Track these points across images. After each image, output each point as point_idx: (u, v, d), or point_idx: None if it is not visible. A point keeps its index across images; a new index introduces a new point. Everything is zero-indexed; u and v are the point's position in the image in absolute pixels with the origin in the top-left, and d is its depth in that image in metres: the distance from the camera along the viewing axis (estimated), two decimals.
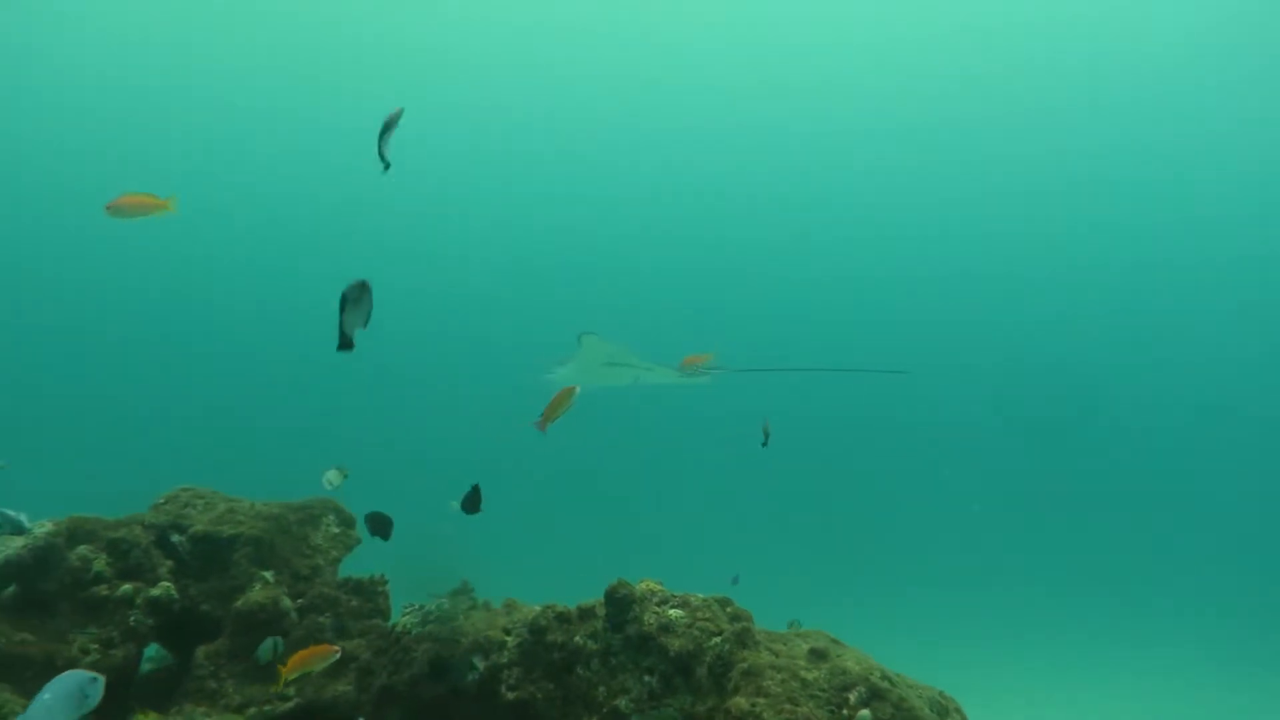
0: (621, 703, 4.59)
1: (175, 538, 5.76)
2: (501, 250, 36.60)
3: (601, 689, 4.66)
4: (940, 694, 4.55)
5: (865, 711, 3.87)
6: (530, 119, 35.05)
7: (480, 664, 4.85)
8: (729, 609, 5.01)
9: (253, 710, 4.98)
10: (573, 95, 34.64)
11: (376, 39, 32.19)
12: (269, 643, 5.08)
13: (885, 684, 4.04)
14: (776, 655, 4.36)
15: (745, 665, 4.21)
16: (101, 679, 3.30)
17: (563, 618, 4.96)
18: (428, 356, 32.46)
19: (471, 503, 5.03)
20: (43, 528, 5.14)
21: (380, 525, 5.49)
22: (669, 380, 9.61)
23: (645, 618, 4.76)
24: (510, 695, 4.72)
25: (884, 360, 31.28)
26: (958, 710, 4.50)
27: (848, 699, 3.99)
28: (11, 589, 4.85)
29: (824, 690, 4.04)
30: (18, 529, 5.09)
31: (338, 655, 4.62)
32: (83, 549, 5.26)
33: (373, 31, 31.97)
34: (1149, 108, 32.23)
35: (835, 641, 4.92)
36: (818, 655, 4.36)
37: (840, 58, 33.11)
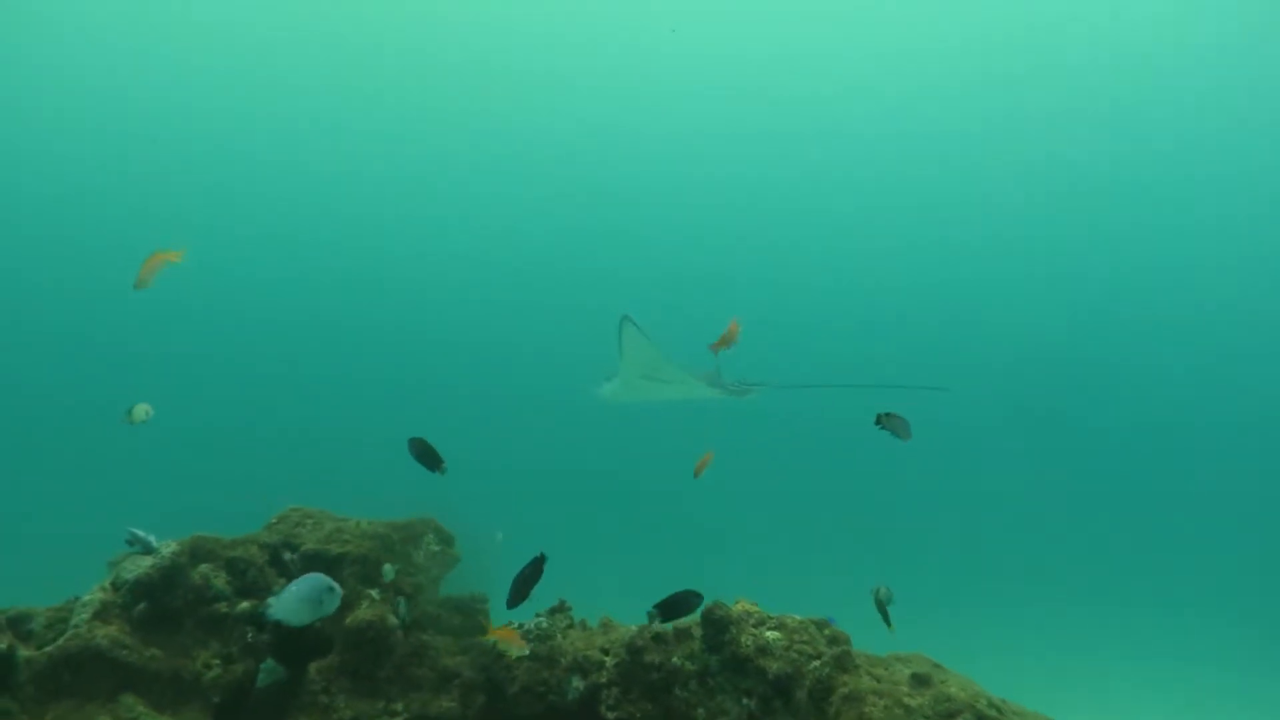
0: None
1: (287, 556, 6.03)
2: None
3: (700, 710, 4.68)
4: None
5: None
6: (535, 123, 35.84)
7: (580, 683, 4.92)
8: (826, 631, 4.97)
9: None
10: (581, 101, 35.41)
11: (381, 38, 32.88)
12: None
13: (992, 712, 3.94)
14: (878, 680, 4.30)
15: (846, 690, 4.16)
16: (339, 589, 4.18)
17: (659, 638, 5.00)
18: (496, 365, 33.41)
19: (525, 581, 4.57)
20: (168, 547, 5.44)
21: (425, 454, 4.94)
22: (710, 395, 9.55)
23: (742, 639, 4.76)
24: (610, 715, 4.78)
25: (916, 368, 31.51)
26: None
27: None
28: (142, 606, 5.14)
29: (928, 717, 3.96)
30: (148, 549, 5.41)
31: (526, 651, 5.13)
32: (204, 567, 5.55)
33: (377, 30, 32.55)
34: (1160, 110, 32.09)
35: (937, 666, 4.82)
36: (920, 681, 4.28)
37: (857, 64, 33.23)
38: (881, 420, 5.03)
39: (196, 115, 34.07)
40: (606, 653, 5.04)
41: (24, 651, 4.59)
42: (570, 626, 5.67)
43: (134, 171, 34.83)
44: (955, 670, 4.73)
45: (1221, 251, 34.20)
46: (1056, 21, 29.90)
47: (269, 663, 5.54)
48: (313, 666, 5.41)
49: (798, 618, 4.98)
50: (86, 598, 5.05)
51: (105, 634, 4.76)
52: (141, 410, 5.90)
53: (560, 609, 5.81)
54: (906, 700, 4.03)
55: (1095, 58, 30.92)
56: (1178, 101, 31.39)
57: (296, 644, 5.69)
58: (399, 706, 5.27)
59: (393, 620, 5.55)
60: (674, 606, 4.61)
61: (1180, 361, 34.31)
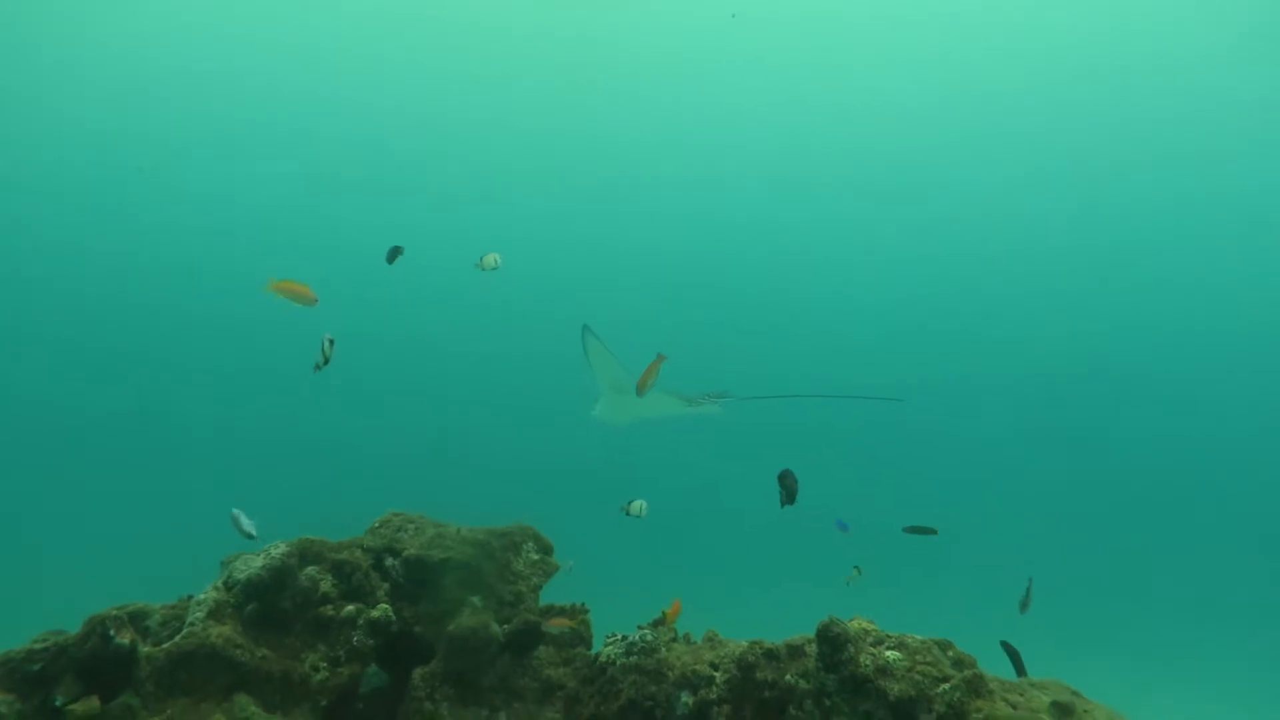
0: None
1: (389, 561, 6.04)
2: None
3: None
4: None
5: None
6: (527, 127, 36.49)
7: (689, 699, 4.74)
8: (950, 652, 4.67)
9: None
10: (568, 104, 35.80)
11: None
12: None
13: None
14: (1014, 708, 4.00)
15: (981, 716, 3.87)
16: None
17: (771, 655, 4.78)
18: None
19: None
20: (278, 549, 5.50)
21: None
22: (684, 410, 9.70)
23: (861, 659, 4.50)
24: None
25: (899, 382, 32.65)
26: None
27: None
28: (253, 606, 5.19)
29: None
30: (247, 534, 5.40)
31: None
32: (311, 570, 5.59)
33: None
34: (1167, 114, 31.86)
35: (1076, 694, 4.47)
36: (1063, 710, 3.96)
37: (868, 75, 33.63)
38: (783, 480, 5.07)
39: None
40: (716, 668, 4.85)
41: (143, 648, 4.66)
42: (674, 640, 5.51)
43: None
44: (1099, 702, 4.37)
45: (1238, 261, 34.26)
46: (1070, 24, 29.67)
47: (374, 668, 5.53)
48: (417, 673, 5.38)
49: (919, 638, 4.69)
50: (201, 596, 5.12)
51: (219, 633, 4.81)
52: (491, 259, 5.94)
53: (663, 621, 5.65)
54: None
55: (1103, 63, 30.87)
56: (1188, 107, 31.22)
57: (400, 650, 5.68)
58: (502, 716, 5.19)
59: (495, 628, 5.48)
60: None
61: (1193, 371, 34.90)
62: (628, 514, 5.97)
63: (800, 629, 5.10)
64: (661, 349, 6.48)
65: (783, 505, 5.22)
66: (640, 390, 5.58)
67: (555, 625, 5.56)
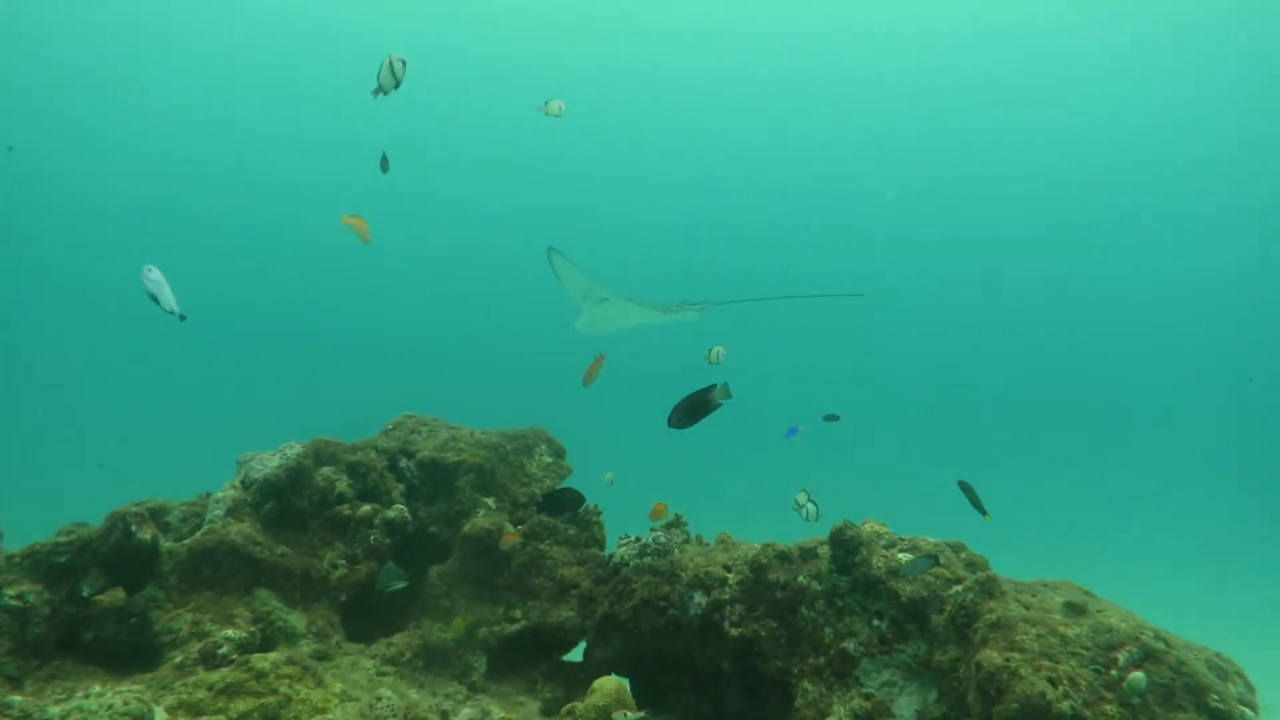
0: (850, 646, 4.42)
1: (404, 463, 6.08)
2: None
3: (828, 631, 4.51)
4: (1217, 655, 4.07)
5: (1139, 674, 3.49)
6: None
7: (702, 599, 4.81)
8: (962, 554, 4.71)
9: (484, 630, 5.20)
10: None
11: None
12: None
13: (1160, 644, 3.63)
14: (1027, 608, 4.03)
15: (993, 617, 3.90)
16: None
17: (784, 556, 4.83)
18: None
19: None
20: (293, 449, 5.53)
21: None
22: (662, 318, 10.24)
23: (873, 561, 4.54)
24: (734, 632, 4.66)
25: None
26: (1239, 674, 4.01)
27: (1115, 659, 3.62)
28: (270, 505, 5.25)
29: (1087, 649, 3.68)
30: (168, 309, 4.24)
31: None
32: (327, 470, 5.63)
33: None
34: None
35: (1089, 593, 4.51)
36: (1075, 610, 3.99)
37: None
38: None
39: None
40: (729, 570, 4.90)
41: (166, 544, 4.72)
42: (687, 541, 5.56)
43: None
44: (1110, 600, 4.42)
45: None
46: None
47: (390, 564, 5.62)
48: (433, 571, 5.47)
49: (931, 540, 4.73)
50: (219, 494, 5.17)
51: (239, 530, 4.87)
52: (556, 105, 5.77)
53: (677, 523, 5.69)
54: (1062, 630, 3.75)
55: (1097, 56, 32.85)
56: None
57: (416, 548, 5.77)
58: (517, 614, 5.29)
59: (510, 530, 5.54)
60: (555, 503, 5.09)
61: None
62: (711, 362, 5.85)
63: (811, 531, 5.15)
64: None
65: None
66: (586, 383, 5.68)
67: (505, 541, 5.49)
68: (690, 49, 35.90)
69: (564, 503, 5.28)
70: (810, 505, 5.16)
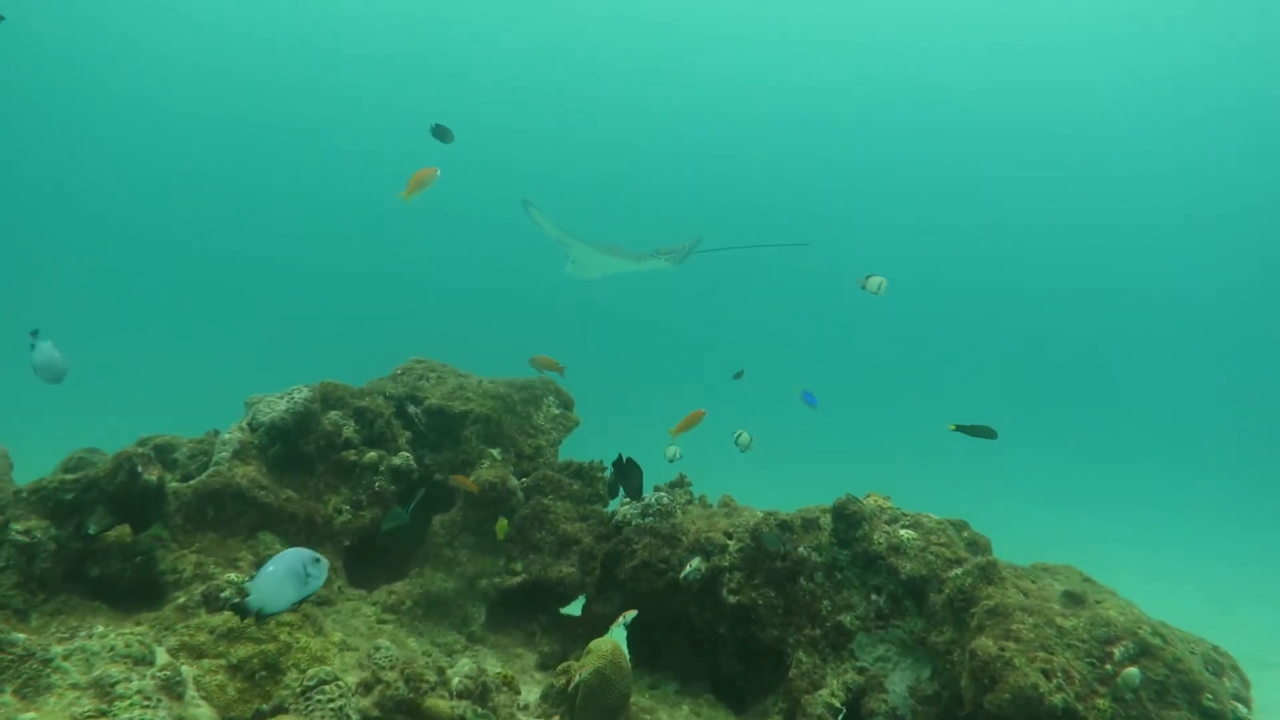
0: (846, 619, 4.44)
1: (412, 409, 6.07)
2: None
3: (826, 603, 4.52)
4: (1214, 648, 4.06)
5: (1133, 670, 3.48)
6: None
7: (701, 564, 4.83)
8: (965, 534, 4.68)
9: (484, 581, 5.25)
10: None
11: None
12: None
13: (1157, 640, 3.62)
14: (1026, 595, 4.01)
15: (991, 603, 3.89)
16: (325, 562, 3.24)
17: (785, 526, 4.82)
18: None
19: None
20: (301, 392, 5.51)
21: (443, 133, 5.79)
22: (635, 266, 10.86)
23: (875, 536, 4.53)
24: (732, 599, 4.69)
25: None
26: (1234, 668, 4.00)
27: (1111, 653, 3.61)
28: (277, 448, 5.26)
29: (1083, 641, 3.67)
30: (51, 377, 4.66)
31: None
32: (334, 414, 5.63)
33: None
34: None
35: (1089, 580, 4.50)
36: (1074, 599, 3.97)
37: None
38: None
39: None
40: (730, 536, 4.90)
41: (172, 484, 4.75)
42: (690, 502, 5.57)
43: None
44: (1107, 584, 4.40)
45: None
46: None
47: (396, 508, 5.66)
48: (437, 520, 5.50)
49: (934, 517, 4.70)
50: (226, 436, 5.18)
51: (244, 473, 4.89)
52: (875, 282, 5.52)
53: (680, 484, 5.69)
54: (1059, 620, 3.74)
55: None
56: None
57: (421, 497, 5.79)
58: (518, 567, 5.33)
59: (513, 482, 5.55)
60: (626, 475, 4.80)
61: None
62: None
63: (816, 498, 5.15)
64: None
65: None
66: (676, 432, 5.76)
67: (461, 482, 5.50)
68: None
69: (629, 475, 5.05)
70: (745, 436, 5.68)
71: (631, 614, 4.40)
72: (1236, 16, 29.65)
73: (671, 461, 5.99)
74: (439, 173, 5.35)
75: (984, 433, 4.47)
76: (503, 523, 5.21)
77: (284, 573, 3.19)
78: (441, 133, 5.75)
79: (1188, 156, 37.88)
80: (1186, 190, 39.16)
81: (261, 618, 3.25)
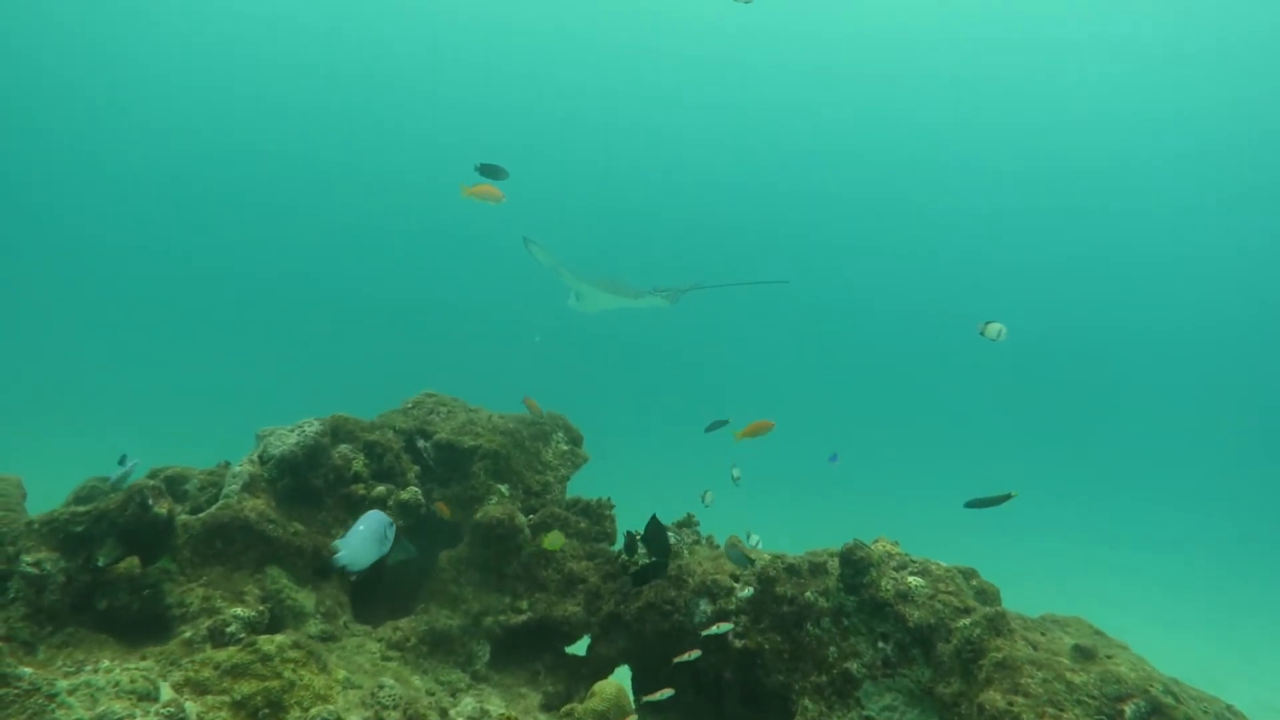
0: (853, 666, 4.40)
1: (421, 444, 6.09)
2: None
3: (833, 649, 4.48)
4: (1228, 708, 3.99)
5: None
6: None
7: (708, 608, 4.80)
8: (973, 581, 4.64)
9: (490, 619, 5.23)
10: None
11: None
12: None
13: (1169, 699, 3.57)
14: (1035, 648, 3.97)
15: (1000, 656, 3.85)
16: (394, 525, 4.13)
17: (792, 570, 4.79)
18: None
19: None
20: (311, 426, 5.54)
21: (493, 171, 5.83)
22: (632, 302, 11.27)
23: (882, 583, 4.49)
24: (738, 643, 4.65)
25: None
26: None
27: (1122, 711, 3.56)
28: (286, 481, 5.28)
29: (1093, 698, 3.62)
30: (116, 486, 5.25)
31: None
32: (344, 448, 5.65)
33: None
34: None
35: (1099, 633, 4.44)
36: (1084, 654, 3.92)
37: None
38: None
39: None
40: (737, 579, 4.88)
41: (181, 517, 4.78)
42: (697, 542, 5.55)
43: None
44: (1121, 641, 4.34)
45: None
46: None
47: (403, 541, 5.67)
48: (444, 556, 5.49)
49: (943, 565, 4.66)
50: (236, 469, 5.21)
51: (253, 506, 4.90)
52: (995, 329, 5.56)
53: (688, 523, 5.68)
54: (1069, 676, 3.69)
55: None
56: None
57: (428, 531, 5.80)
58: (524, 605, 5.31)
59: (521, 519, 5.54)
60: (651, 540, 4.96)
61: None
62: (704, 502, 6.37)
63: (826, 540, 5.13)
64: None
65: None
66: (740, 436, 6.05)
67: (440, 509, 5.60)
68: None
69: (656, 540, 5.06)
70: (736, 471, 6.16)
71: (668, 692, 4.38)
72: (1236, 16, 29.96)
73: (735, 482, 6.18)
74: (503, 198, 5.51)
75: (999, 500, 4.46)
76: (556, 534, 5.21)
77: (370, 533, 3.97)
78: (492, 170, 5.82)
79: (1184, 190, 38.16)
80: (1192, 224, 39.55)
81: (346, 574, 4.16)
